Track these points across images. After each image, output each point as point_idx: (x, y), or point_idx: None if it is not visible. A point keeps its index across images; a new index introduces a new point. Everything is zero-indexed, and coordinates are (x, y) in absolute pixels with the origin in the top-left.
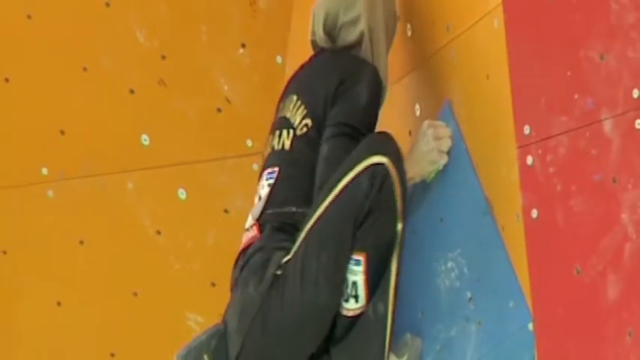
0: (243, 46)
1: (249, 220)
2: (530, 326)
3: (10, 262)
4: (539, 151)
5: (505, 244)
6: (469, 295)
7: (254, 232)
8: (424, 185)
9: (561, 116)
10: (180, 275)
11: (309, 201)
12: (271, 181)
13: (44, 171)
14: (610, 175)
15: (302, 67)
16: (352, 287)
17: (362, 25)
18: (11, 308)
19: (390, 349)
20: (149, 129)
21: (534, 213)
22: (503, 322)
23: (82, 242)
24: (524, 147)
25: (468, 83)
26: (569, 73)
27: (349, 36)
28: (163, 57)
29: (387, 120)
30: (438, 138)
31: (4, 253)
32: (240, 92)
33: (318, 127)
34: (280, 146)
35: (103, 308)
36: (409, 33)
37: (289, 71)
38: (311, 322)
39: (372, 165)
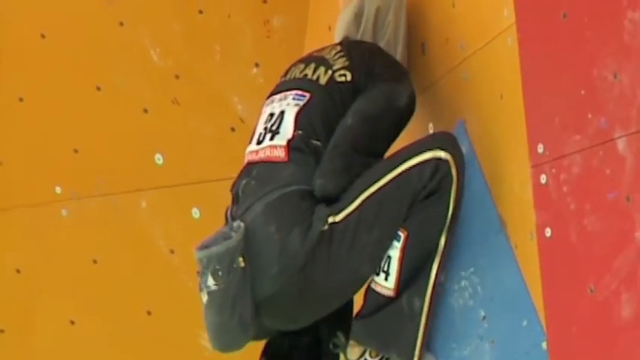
0: (257, 65)
1: (269, 136)
2: (544, 345)
3: (24, 280)
4: (553, 170)
5: (518, 263)
6: (483, 313)
7: (281, 152)
8: None
9: (575, 135)
10: (193, 294)
11: (329, 139)
12: (300, 103)
13: (58, 190)
14: (624, 193)
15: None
16: (386, 261)
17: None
18: (25, 327)
19: (422, 350)
20: (163, 148)
21: (548, 232)
22: (516, 340)
23: (95, 261)
24: (537, 166)
25: (481, 102)
26: (582, 91)
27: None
28: (177, 76)
29: (401, 138)
30: None
31: (18, 272)
32: (253, 111)
33: (354, 90)
34: (315, 78)
35: (117, 327)
36: (423, 51)
37: None
38: (348, 288)
39: (437, 158)
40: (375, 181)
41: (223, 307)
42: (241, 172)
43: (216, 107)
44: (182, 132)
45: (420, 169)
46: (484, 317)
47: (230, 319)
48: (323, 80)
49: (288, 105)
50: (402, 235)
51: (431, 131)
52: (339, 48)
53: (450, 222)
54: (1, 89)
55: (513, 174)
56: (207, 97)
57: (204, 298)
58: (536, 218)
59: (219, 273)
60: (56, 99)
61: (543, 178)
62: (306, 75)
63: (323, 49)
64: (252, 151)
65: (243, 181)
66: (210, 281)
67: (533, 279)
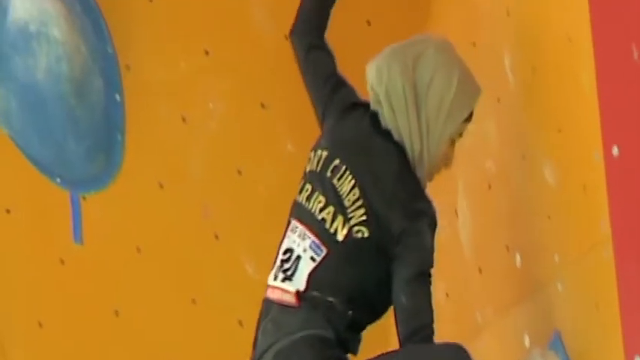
0: None
1: (282, 276)
2: None
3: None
4: None
5: None
6: None
7: (292, 298)
8: None
9: None
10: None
11: (345, 297)
12: (317, 258)
13: None
14: None
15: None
16: None
17: None
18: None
19: None
20: None
21: None
22: None
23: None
24: None
25: (577, 313)
26: None
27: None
28: None
29: (495, 351)
30: None
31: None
32: None
33: (377, 244)
34: (333, 230)
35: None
36: (518, 263)
37: None
38: None
39: None
40: None
41: None
42: (263, 303)
43: None
44: None
45: None
46: None
47: None
48: (340, 235)
49: (305, 252)
50: None
51: (527, 343)
52: (357, 193)
53: None
54: (97, 303)
55: None
56: None
57: None
58: None
59: None
60: (151, 311)
61: None
62: (324, 220)
63: (341, 175)
64: (271, 285)
65: (263, 323)
66: None
67: None
